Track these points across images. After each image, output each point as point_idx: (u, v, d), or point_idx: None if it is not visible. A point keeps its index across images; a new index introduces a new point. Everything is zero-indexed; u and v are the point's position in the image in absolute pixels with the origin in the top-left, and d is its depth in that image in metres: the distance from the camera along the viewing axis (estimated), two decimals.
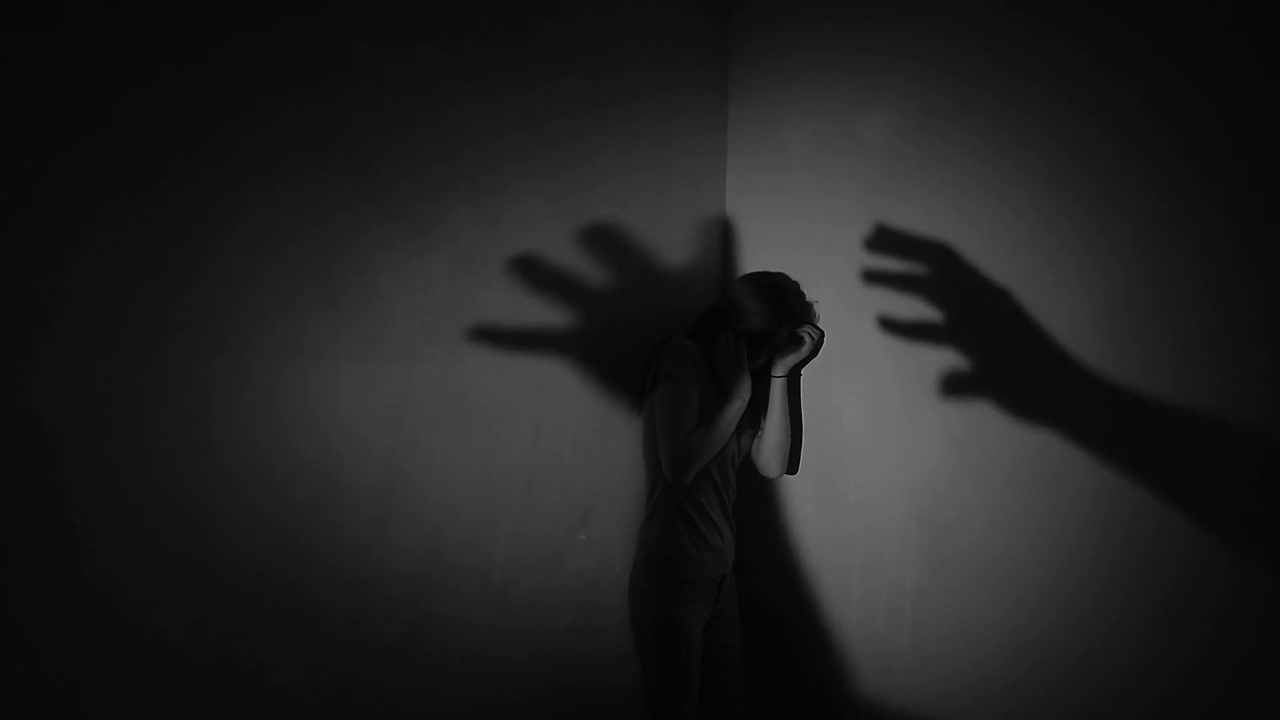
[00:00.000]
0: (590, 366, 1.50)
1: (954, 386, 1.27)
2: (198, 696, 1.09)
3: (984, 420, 1.22)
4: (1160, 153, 1.01)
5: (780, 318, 1.42)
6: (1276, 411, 0.91)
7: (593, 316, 1.49)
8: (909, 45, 1.32)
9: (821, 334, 1.47)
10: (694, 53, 1.67)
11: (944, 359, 1.28)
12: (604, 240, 1.50)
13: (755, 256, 1.66)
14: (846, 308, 1.44)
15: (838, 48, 1.46)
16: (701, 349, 1.43)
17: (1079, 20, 1.10)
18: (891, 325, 1.36)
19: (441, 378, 1.31)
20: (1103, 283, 1.07)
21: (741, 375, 1.39)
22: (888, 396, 1.37)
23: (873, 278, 1.40)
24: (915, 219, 1.32)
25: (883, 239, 1.38)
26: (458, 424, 1.33)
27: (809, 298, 1.51)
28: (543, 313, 1.43)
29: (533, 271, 1.40)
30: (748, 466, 1.59)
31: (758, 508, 1.65)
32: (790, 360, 1.47)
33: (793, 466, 1.56)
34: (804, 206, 1.54)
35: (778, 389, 1.48)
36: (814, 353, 1.48)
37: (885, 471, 1.38)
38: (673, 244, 1.64)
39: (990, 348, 1.22)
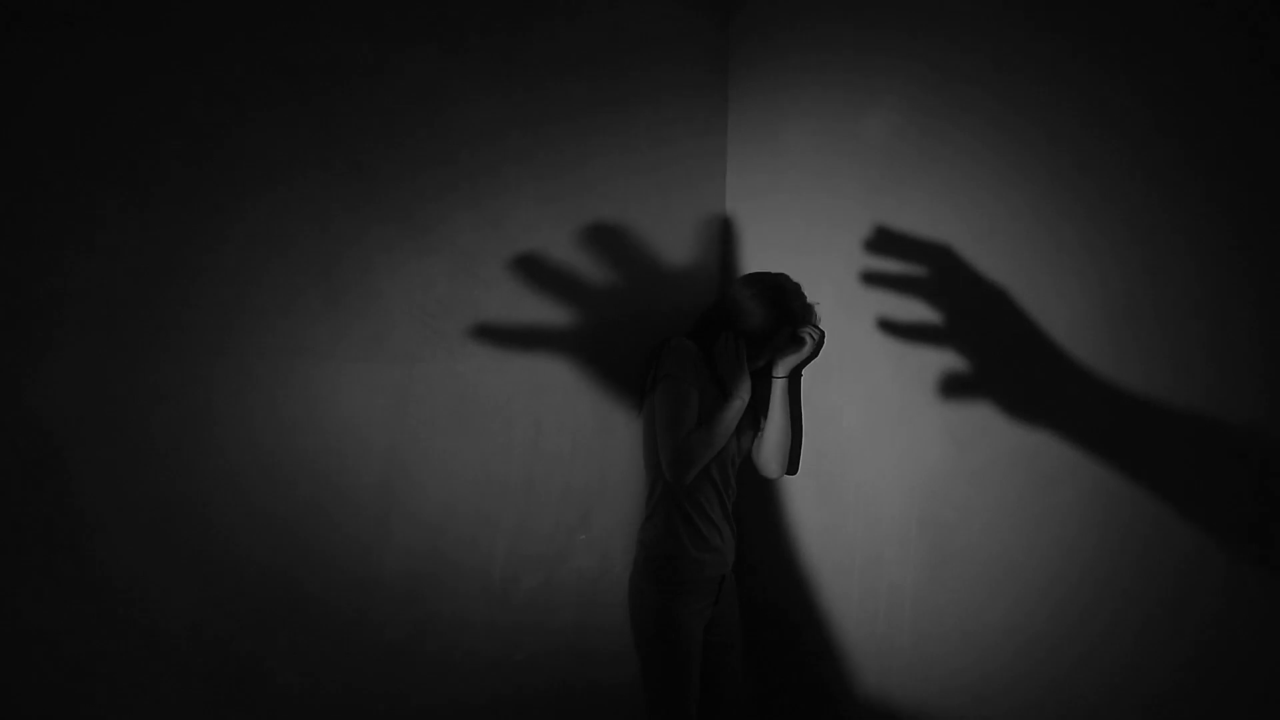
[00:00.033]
0: (590, 366, 1.51)
1: (954, 387, 1.27)
2: (199, 694, 1.10)
3: (983, 420, 1.22)
4: (1159, 154, 1.02)
5: (781, 319, 1.42)
6: (1274, 412, 0.91)
7: (593, 316, 1.49)
8: (909, 46, 1.33)
9: (822, 334, 1.47)
10: (694, 54, 1.68)
11: (943, 359, 1.28)
12: (604, 241, 1.50)
13: (755, 257, 1.67)
14: (846, 308, 1.45)
15: (837, 49, 1.46)
16: (701, 349, 1.44)
17: (1078, 21, 1.10)
18: (891, 326, 1.37)
19: (442, 378, 1.31)
20: (1101, 283, 1.08)
21: (741, 375, 1.40)
22: (887, 397, 1.38)
23: (872, 278, 1.40)
24: (915, 220, 1.32)
25: (882, 240, 1.38)
26: (458, 423, 1.34)
27: (809, 299, 1.51)
28: (543, 313, 1.43)
29: (533, 272, 1.41)
30: (748, 466, 1.59)
31: (758, 508, 1.65)
32: (791, 361, 1.48)
33: (793, 467, 1.56)
34: (804, 207, 1.54)
35: (778, 389, 1.49)
36: (815, 353, 1.48)
37: (885, 471, 1.39)
38: (673, 244, 1.64)
39: (989, 348, 1.22)
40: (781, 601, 1.60)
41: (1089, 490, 1.09)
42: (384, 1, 1.22)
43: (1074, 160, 1.10)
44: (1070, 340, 1.11)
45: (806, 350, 1.46)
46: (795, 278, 1.52)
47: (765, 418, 1.53)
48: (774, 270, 1.56)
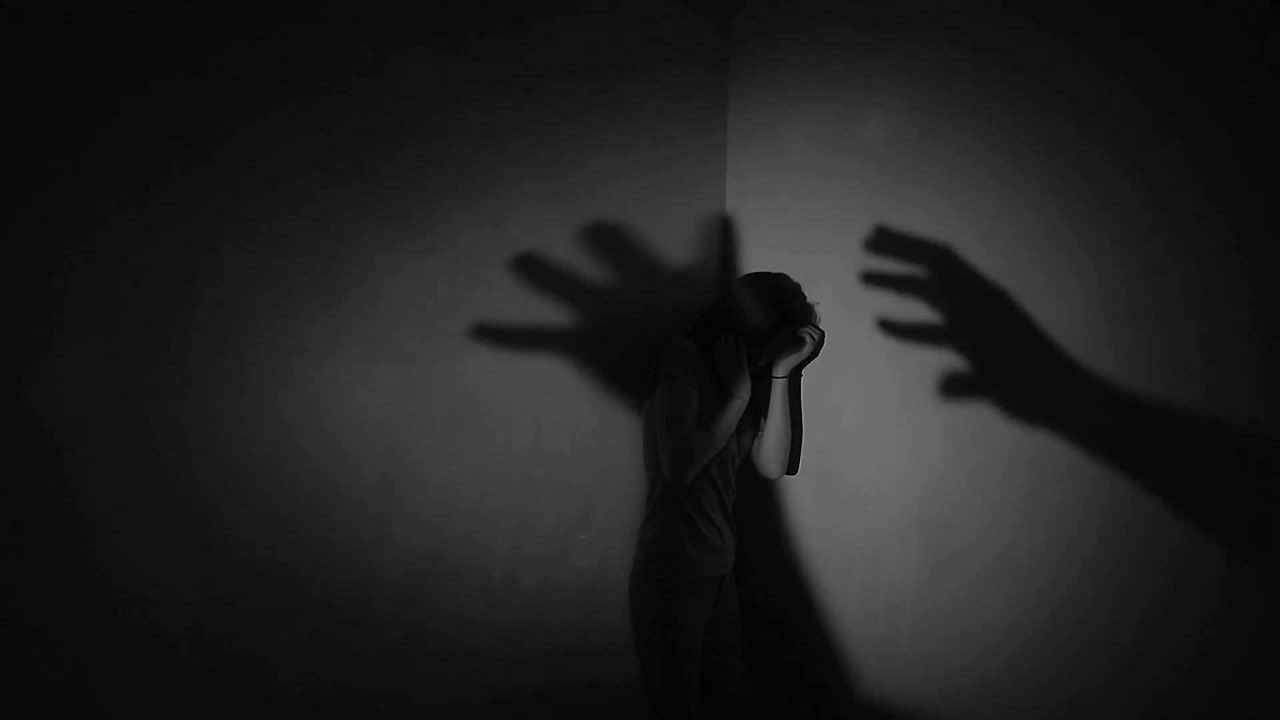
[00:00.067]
0: (590, 366, 1.51)
1: (954, 386, 1.27)
2: (199, 695, 1.10)
3: (983, 420, 1.22)
4: (1158, 154, 1.02)
5: (781, 319, 1.42)
6: (1274, 412, 0.91)
7: (593, 316, 1.49)
8: (908, 46, 1.33)
9: (822, 334, 1.47)
10: (694, 54, 1.68)
11: (944, 359, 1.28)
12: (604, 241, 1.50)
13: (755, 257, 1.67)
14: (846, 308, 1.45)
15: (837, 49, 1.47)
16: (701, 349, 1.44)
17: (1078, 21, 1.10)
18: (891, 325, 1.37)
19: (442, 378, 1.31)
20: (1101, 283, 1.08)
21: (741, 375, 1.40)
22: (887, 397, 1.38)
23: (872, 278, 1.40)
24: (915, 219, 1.32)
25: (882, 239, 1.38)
26: (458, 423, 1.34)
27: (809, 299, 1.51)
28: (543, 313, 1.43)
29: (533, 272, 1.41)
30: (748, 466, 1.59)
31: (758, 508, 1.65)
32: (791, 361, 1.48)
33: (793, 467, 1.56)
34: (804, 207, 1.54)
35: (779, 389, 1.49)
36: (815, 353, 1.48)
37: (885, 471, 1.39)
38: (673, 244, 1.64)
39: (989, 348, 1.22)
40: (781, 601, 1.60)
41: (1089, 490, 1.09)
42: (384, 1, 1.22)
43: (1074, 160, 1.10)
44: (1070, 340, 1.11)
45: (807, 350, 1.46)
46: (795, 277, 1.52)
47: (765, 418, 1.53)
48: (774, 270, 1.56)
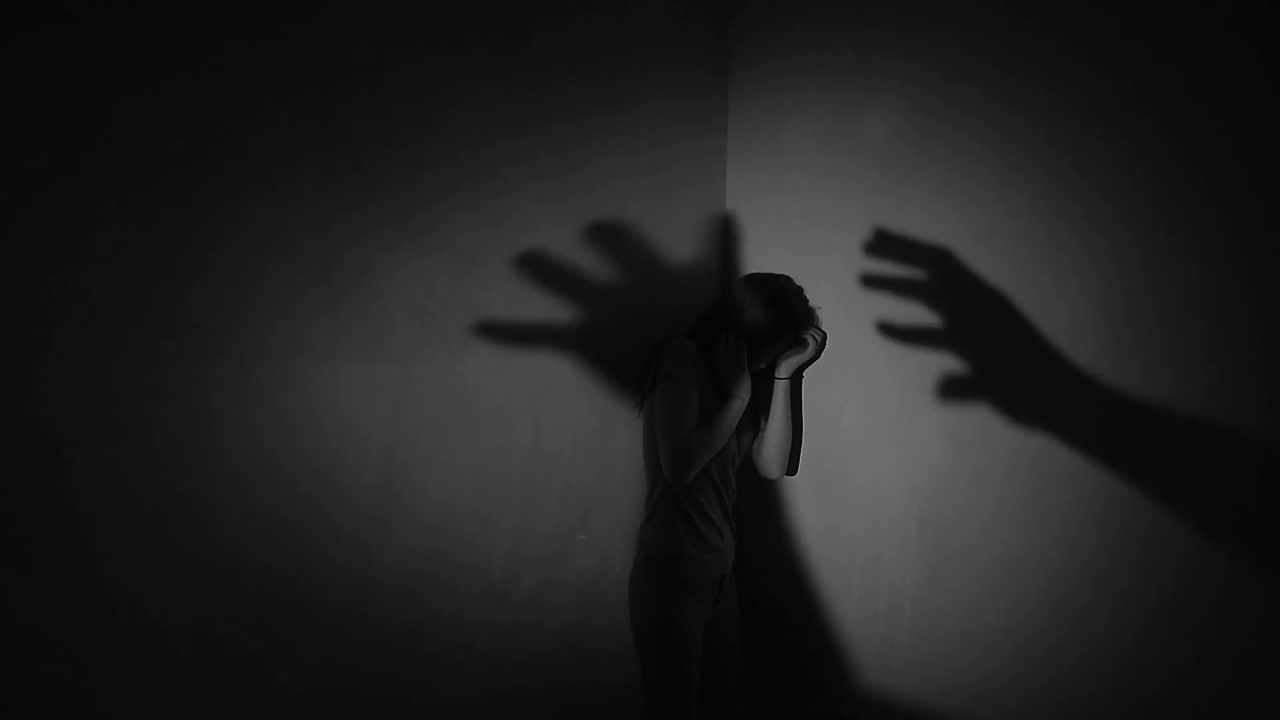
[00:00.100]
0: (590, 366, 1.51)
1: (953, 387, 1.27)
2: (200, 695, 1.10)
3: (983, 421, 1.22)
4: (1159, 154, 1.02)
5: (783, 320, 1.42)
6: (1274, 412, 0.91)
7: (593, 316, 1.49)
8: (908, 46, 1.33)
9: (824, 336, 1.47)
10: (694, 54, 1.68)
11: (944, 359, 1.28)
12: (604, 241, 1.50)
13: (755, 257, 1.67)
14: (846, 309, 1.45)
15: (837, 49, 1.46)
16: (701, 349, 1.44)
17: (1078, 22, 1.10)
18: (891, 326, 1.37)
19: (442, 378, 1.31)
20: (1101, 284, 1.08)
21: (741, 376, 1.40)
22: (887, 397, 1.38)
23: (872, 278, 1.40)
24: (915, 219, 1.32)
25: (882, 240, 1.38)
26: (458, 423, 1.34)
27: (811, 302, 1.51)
28: (543, 313, 1.43)
29: (533, 272, 1.41)
30: (748, 466, 1.59)
31: (758, 507, 1.65)
32: (794, 362, 1.48)
33: (792, 468, 1.56)
34: (804, 206, 1.54)
35: (780, 391, 1.49)
36: (817, 355, 1.48)
37: (885, 471, 1.39)
38: (673, 244, 1.64)
39: (989, 348, 1.22)
40: (782, 601, 1.60)
41: (1089, 490, 1.09)
42: (384, 1, 1.22)
43: (1074, 160, 1.10)
44: (1070, 340, 1.11)
45: (809, 352, 1.46)
46: (795, 277, 1.52)
47: (766, 418, 1.53)
48: (775, 270, 1.56)
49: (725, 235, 1.75)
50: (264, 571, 1.14)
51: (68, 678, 1.00)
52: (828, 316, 1.48)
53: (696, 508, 1.41)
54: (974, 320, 1.23)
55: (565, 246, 1.45)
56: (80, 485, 0.99)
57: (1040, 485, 1.15)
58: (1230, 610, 0.95)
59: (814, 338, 1.45)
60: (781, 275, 1.51)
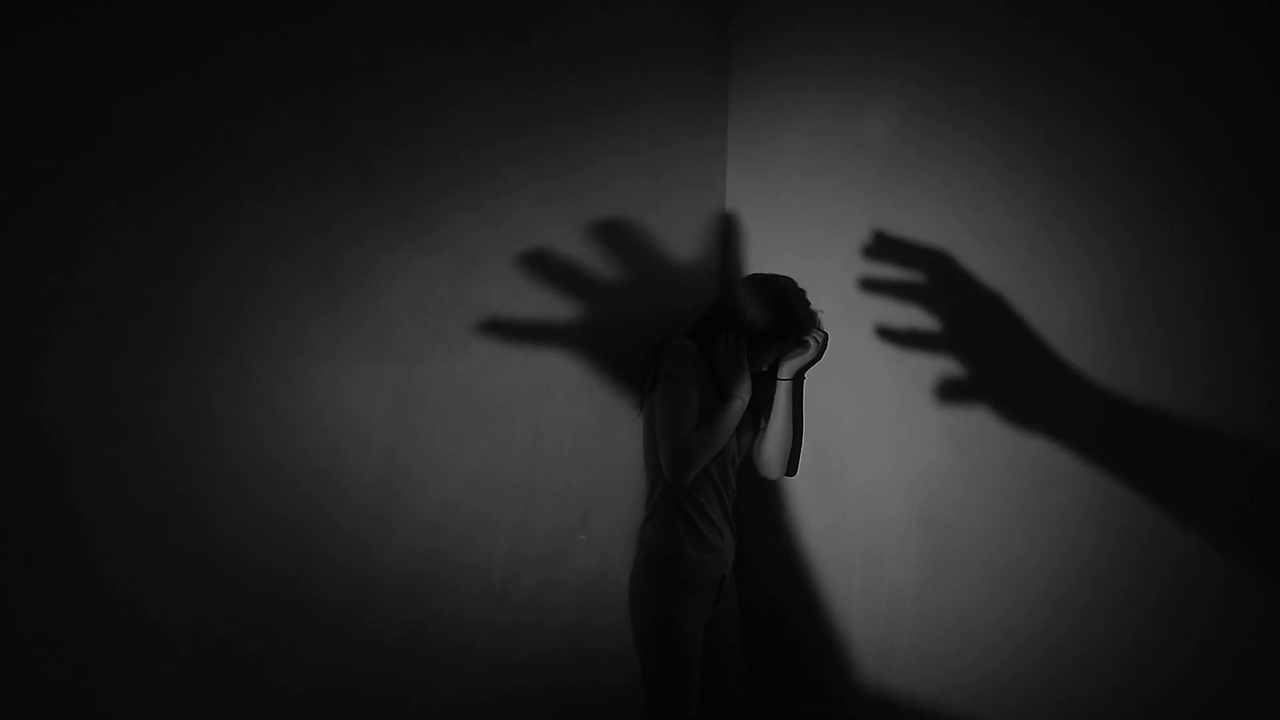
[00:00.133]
0: (590, 366, 1.51)
1: (953, 387, 1.27)
2: (200, 694, 1.10)
3: (983, 421, 1.22)
4: (1159, 155, 1.02)
5: (784, 321, 1.42)
6: (1274, 412, 0.91)
7: (593, 316, 1.49)
8: (908, 47, 1.33)
9: (826, 337, 1.47)
10: (694, 55, 1.68)
11: (943, 359, 1.28)
12: (604, 241, 1.50)
13: (755, 257, 1.67)
14: (847, 309, 1.45)
15: (837, 49, 1.47)
16: (701, 349, 1.44)
17: (1078, 22, 1.10)
18: (891, 326, 1.37)
19: (442, 378, 1.31)
20: (1101, 285, 1.08)
21: (741, 376, 1.40)
22: (887, 397, 1.38)
23: (872, 279, 1.40)
24: (915, 220, 1.32)
25: (882, 241, 1.38)
26: (458, 423, 1.34)
27: (813, 304, 1.51)
28: (543, 312, 1.43)
29: (533, 272, 1.41)
30: (748, 466, 1.59)
31: (758, 508, 1.65)
32: (796, 364, 1.48)
33: (792, 468, 1.56)
34: (804, 206, 1.54)
35: (782, 392, 1.49)
36: (818, 356, 1.48)
37: (884, 471, 1.39)
38: (673, 244, 1.64)
39: (989, 348, 1.22)
40: (782, 601, 1.60)
41: (1089, 490, 1.09)
42: (384, 2, 1.22)
43: (1074, 160, 1.10)
44: (1070, 341, 1.11)
45: (811, 353, 1.46)
46: (794, 277, 1.52)
47: (766, 419, 1.53)
48: (776, 271, 1.56)
49: (725, 235, 1.75)
50: (264, 571, 1.14)
51: (68, 678, 1.00)
52: (828, 316, 1.48)
53: (696, 508, 1.41)
54: (974, 320, 1.23)
55: (565, 246, 1.45)
56: (80, 485, 0.99)
57: (1040, 485, 1.15)
58: (1230, 610, 0.95)
59: (815, 339, 1.45)
60: (784, 277, 1.51)
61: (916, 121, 1.32)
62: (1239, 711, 0.95)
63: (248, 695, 1.14)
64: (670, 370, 1.37)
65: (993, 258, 1.21)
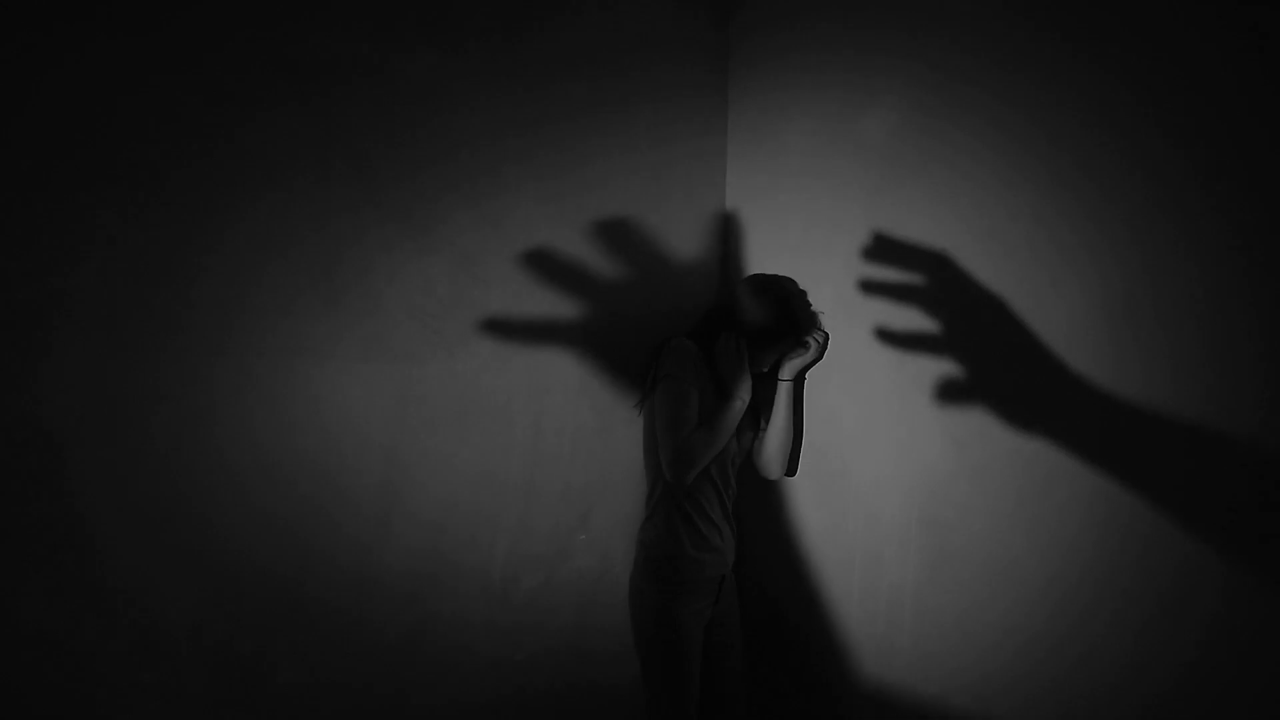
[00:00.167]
0: (590, 366, 1.51)
1: (954, 388, 1.27)
2: (200, 694, 1.10)
3: (983, 421, 1.22)
4: (1159, 156, 1.02)
5: (785, 322, 1.42)
6: (1274, 413, 0.91)
7: (593, 316, 1.49)
8: (908, 47, 1.33)
9: (826, 337, 1.47)
10: (694, 55, 1.68)
11: (943, 361, 1.28)
12: (604, 241, 1.50)
13: (755, 257, 1.67)
14: (847, 310, 1.45)
15: (837, 49, 1.47)
16: (702, 349, 1.44)
17: (1078, 22, 1.10)
18: (891, 327, 1.37)
19: (442, 378, 1.31)
20: (1101, 285, 1.08)
21: (742, 376, 1.40)
22: (887, 396, 1.38)
23: (872, 280, 1.40)
24: (915, 220, 1.32)
25: (882, 240, 1.38)
26: (458, 423, 1.34)
27: (812, 304, 1.51)
28: (543, 312, 1.43)
29: (533, 272, 1.41)
30: (748, 466, 1.59)
31: (758, 507, 1.65)
32: (797, 364, 1.48)
33: (792, 469, 1.56)
34: (804, 206, 1.54)
35: (783, 392, 1.49)
36: (819, 357, 1.48)
37: (884, 471, 1.39)
38: (673, 244, 1.64)
39: (989, 348, 1.22)
40: (782, 601, 1.60)
41: (1088, 491, 1.09)
42: (384, 2, 1.22)
43: (1074, 160, 1.10)
44: (1070, 342, 1.11)
45: (812, 353, 1.46)
46: (794, 277, 1.52)
47: (766, 419, 1.53)
48: (776, 271, 1.56)
49: (725, 235, 1.75)
50: (264, 571, 1.14)
51: (68, 678, 1.00)
52: (828, 317, 1.48)
53: (697, 508, 1.41)
54: (974, 320, 1.23)
55: (565, 246, 1.45)
56: (80, 485, 0.99)
57: (1040, 484, 1.15)
58: (1230, 610, 0.95)
59: (816, 340, 1.45)
60: (785, 278, 1.51)
61: (916, 121, 1.32)
62: (1239, 711, 0.95)
63: (248, 695, 1.14)
64: (670, 370, 1.37)
65: (993, 258, 1.21)
